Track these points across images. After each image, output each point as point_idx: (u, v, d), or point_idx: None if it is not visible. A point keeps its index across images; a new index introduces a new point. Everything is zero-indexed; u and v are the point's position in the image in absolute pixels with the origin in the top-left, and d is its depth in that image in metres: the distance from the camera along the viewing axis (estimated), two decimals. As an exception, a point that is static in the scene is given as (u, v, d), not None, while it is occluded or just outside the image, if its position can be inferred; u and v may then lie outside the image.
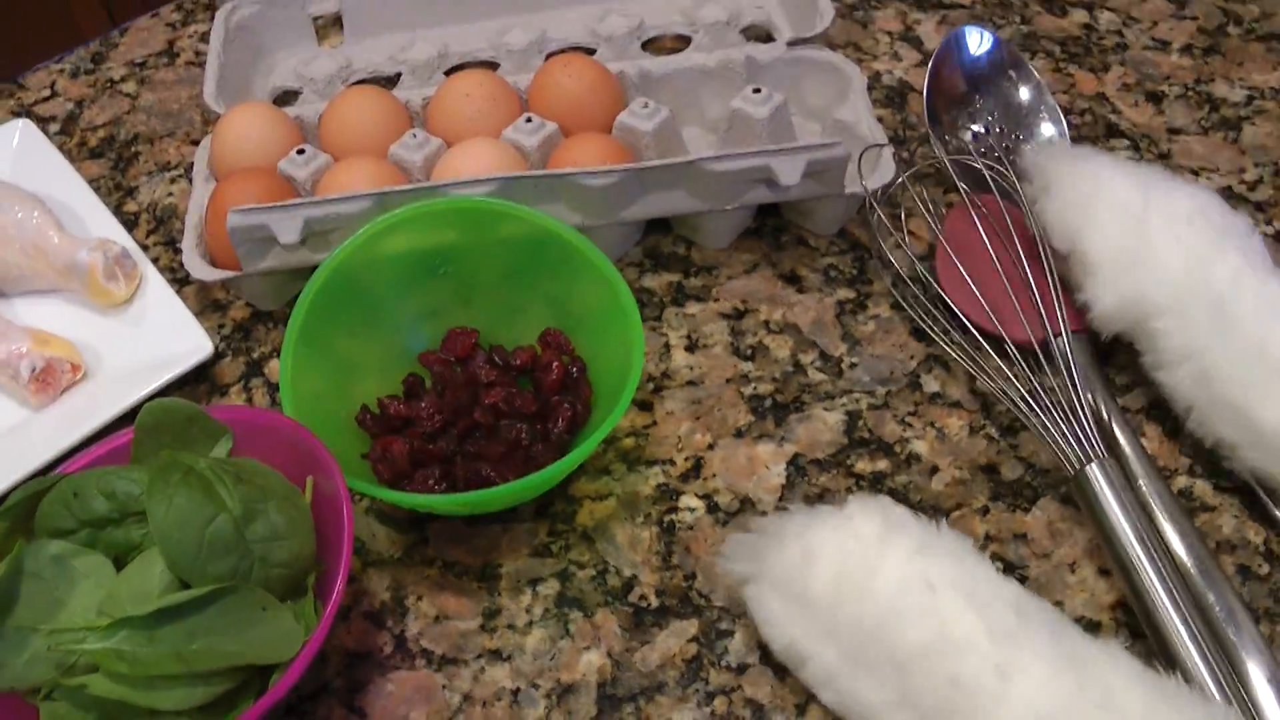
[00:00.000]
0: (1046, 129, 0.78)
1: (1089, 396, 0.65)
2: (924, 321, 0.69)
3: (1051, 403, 0.63)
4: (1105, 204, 0.66)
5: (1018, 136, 0.78)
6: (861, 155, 0.72)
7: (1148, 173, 0.69)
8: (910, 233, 0.75)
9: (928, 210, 0.72)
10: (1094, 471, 0.60)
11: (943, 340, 0.68)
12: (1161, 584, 0.57)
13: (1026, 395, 0.64)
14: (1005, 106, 0.79)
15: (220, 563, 0.56)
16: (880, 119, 0.78)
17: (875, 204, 0.71)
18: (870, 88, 0.82)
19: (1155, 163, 0.80)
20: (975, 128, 0.79)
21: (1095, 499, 0.60)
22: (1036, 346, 0.65)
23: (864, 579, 0.55)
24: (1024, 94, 0.79)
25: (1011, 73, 0.80)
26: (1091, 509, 0.60)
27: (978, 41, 0.81)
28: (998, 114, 0.79)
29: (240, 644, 0.55)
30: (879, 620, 0.54)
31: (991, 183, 0.70)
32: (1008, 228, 0.69)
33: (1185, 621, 0.56)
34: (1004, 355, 0.66)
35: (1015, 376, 0.65)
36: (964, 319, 0.68)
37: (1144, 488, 0.62)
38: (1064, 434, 0.62)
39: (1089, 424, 0.62)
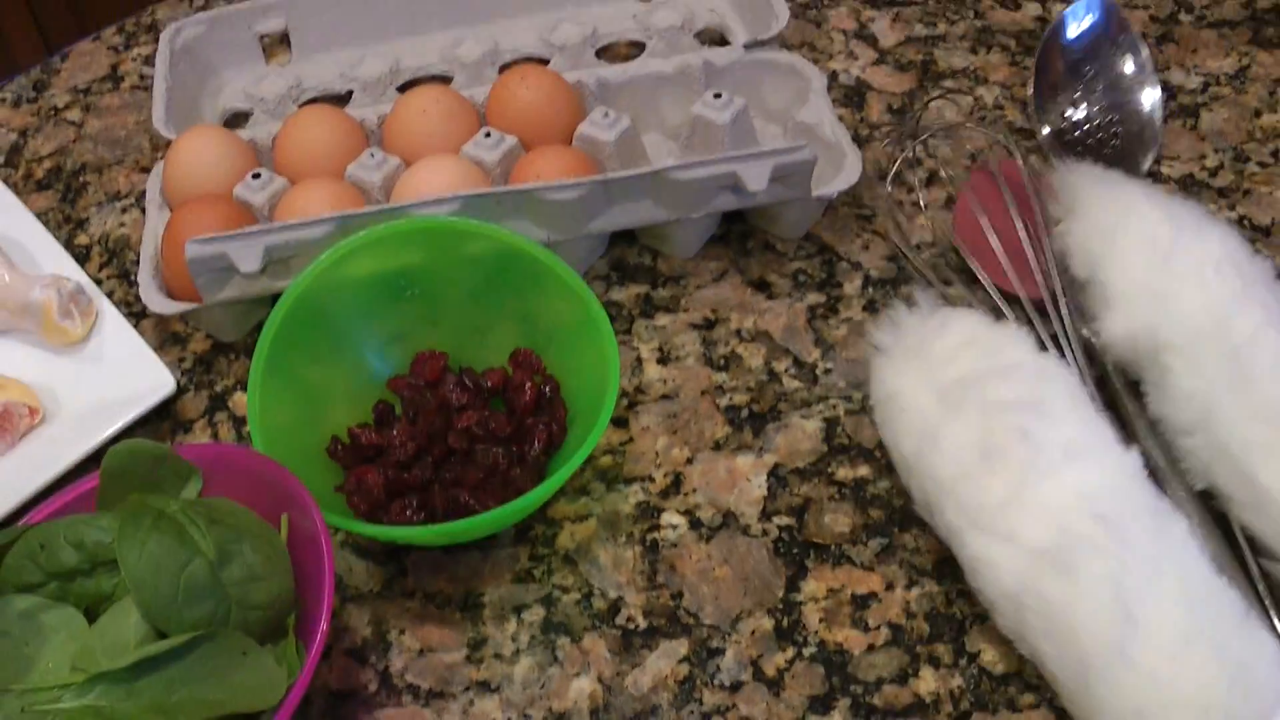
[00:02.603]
0: (1146, 100, 0.79)
1: (1081, 349, 0.66)
2: (938, 285, 0.70)
3: (1058, 350, 0.65)
4: (1132, 235, 0.65)
5: (1115, 118, 0.79)
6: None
7: (1180, 208, 0.66)
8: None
9: (947, 175, 0.78)
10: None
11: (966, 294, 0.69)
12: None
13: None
14: (1110, 81, 0.80)
15: (197, 608, 0.54)
16: (840, 119, 0.78)
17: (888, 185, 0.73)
18: (828, 87, 0.81)
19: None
20: (1077, 112, 0.80)
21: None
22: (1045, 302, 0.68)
23: (985, 352, 0.61)
24: (1129, 66, 0.80)
25: (1120, 46, 0.80)
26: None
27: (1080, 16, 0.81)
28: (1102, 89, 0.79)
29: (222, 692, 0.53)
30: (983, 375, 0.60)
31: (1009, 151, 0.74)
32: (1023, 194, 0.71)
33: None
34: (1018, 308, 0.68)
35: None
36: (981, 275, 0.69)
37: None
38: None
39: (1082, 364, 0.64)
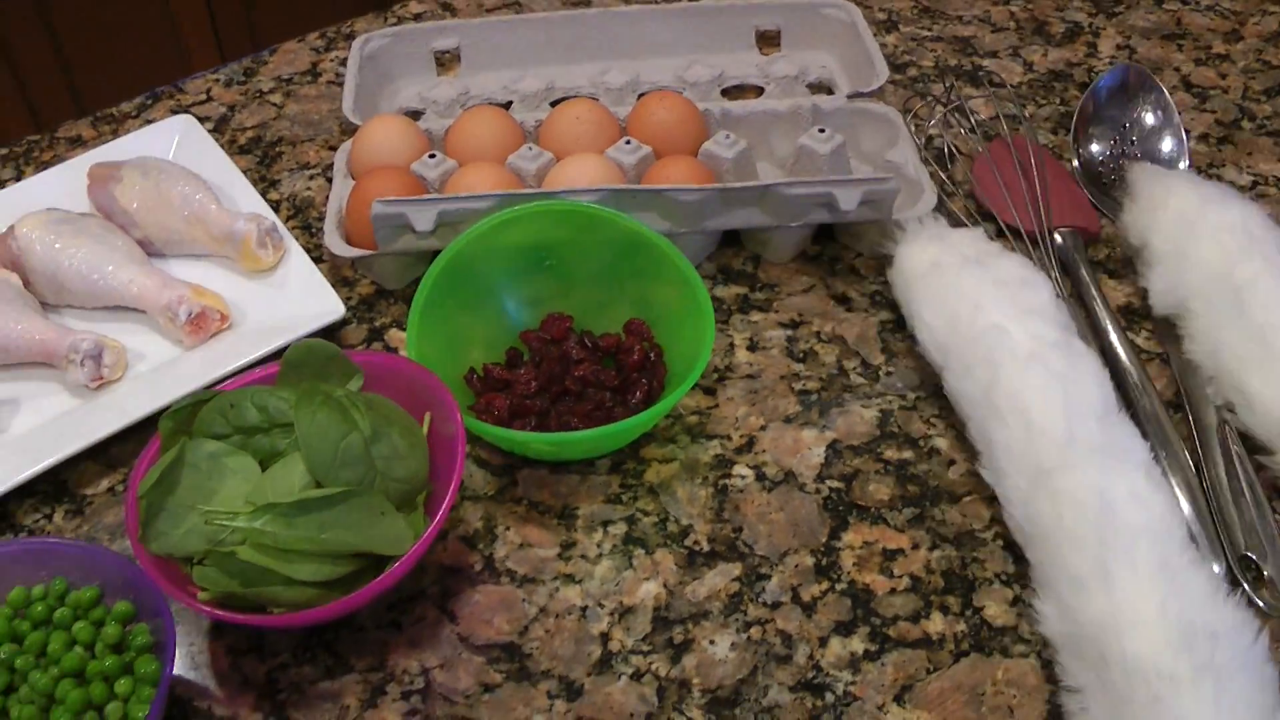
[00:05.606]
0: (1167, 144, 0.96)
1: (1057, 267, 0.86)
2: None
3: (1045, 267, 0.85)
4: (1170, 210, 0.83)
5: (1136, 154, 0.96)
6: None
7: (1210, 188, 0.85)
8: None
9: (972, 129, 0.97)
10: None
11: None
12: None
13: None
14: (1139, 127, 0.98)
15: (350, 471, 0.66)
16: (931, 175, 0.90)
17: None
18: (923, 147, 0.93)
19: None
20: (1099, 146, 0.98)
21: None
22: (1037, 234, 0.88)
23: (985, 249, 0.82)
24: (1149, 118, 0.97)
25: (1143, 100, 0.98)
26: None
27: (1116, 76, 1.00)
28: (1129, 133, 0.97)
29: (361, 537, 0.66)
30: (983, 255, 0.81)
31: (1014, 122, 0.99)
32: (1026, 159, 0.91)
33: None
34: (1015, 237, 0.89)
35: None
36: (991, 209, 0.90)
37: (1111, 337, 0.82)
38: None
39: (1057, 276, 0.84)
